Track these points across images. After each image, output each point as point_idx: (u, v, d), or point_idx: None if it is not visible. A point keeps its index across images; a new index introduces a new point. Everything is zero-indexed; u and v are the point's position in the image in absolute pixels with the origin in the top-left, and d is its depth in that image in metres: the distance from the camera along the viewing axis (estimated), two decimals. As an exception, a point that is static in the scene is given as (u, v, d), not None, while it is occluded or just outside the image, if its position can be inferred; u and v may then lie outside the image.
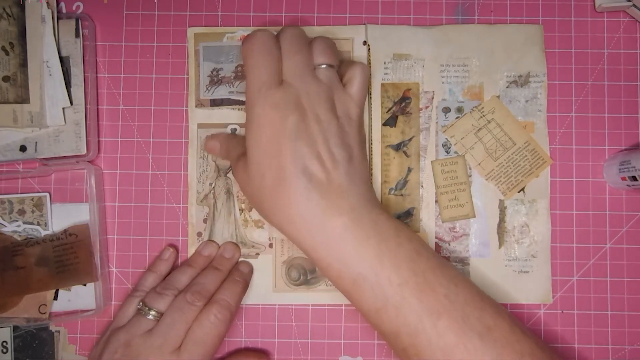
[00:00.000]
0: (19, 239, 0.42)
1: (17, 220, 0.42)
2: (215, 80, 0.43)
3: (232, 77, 0.43)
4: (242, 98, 0.43)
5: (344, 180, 0.33)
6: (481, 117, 0.43)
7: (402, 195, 0.43)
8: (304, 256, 0.42)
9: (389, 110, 0.43)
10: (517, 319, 0.34)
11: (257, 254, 0.42)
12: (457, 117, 0.43)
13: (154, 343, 0.35)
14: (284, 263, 0.42)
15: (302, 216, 0.33)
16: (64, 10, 0.44)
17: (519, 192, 0.42)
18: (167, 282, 0.39)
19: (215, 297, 0.38)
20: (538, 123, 0.43)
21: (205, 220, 0.43)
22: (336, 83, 0.36)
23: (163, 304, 0.37)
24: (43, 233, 0.42)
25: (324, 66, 0.36)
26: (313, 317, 0.42)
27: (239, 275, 0.40)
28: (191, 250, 0.42)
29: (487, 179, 0.42)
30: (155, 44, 0.44)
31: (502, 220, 0.42)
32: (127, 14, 0.44)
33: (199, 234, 0.43)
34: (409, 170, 0.43)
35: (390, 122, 0.43)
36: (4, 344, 0.41)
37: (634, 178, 0.40)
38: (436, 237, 0.42)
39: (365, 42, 0.43)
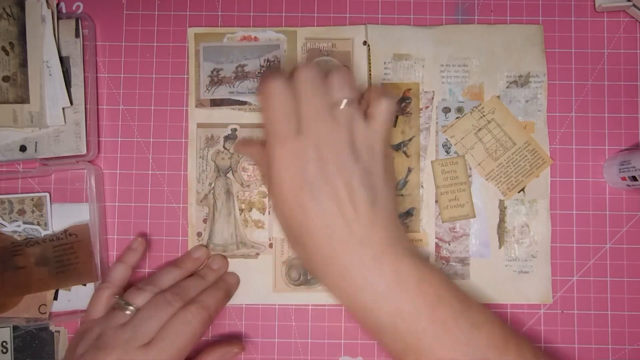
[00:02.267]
0: (19, 239, 0.42)
1: (17, 220, 0.42)
2: (216, 80, 0.43)
3: (232, 78, 0.43)
4: (243, 98, 0.43)
5: (367, 229, 0.32)
6: (481, 117, 0.43)
7: (402, 195, 0.43)
8: None
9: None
10: (542, 352, 0.33)
11: (257, 254, 0.43)
12: (457, 117, 0.43)
13: (123, 336, 0.35)
14: (284, 263, 0.42)
15: (325, 267, 0.33)
16: (64, 10, 0.44)
17: (519, 192, 0.42)
18: (150, 279, 0.39)
19: (195, 298, 0.38)
20: (538, 123, 0.42)
21: (205, 221, 0.43)
22: (357, 120, 0.34)
23: (141, 300, 0.37)
24: (43, 233, 0.42)
25: (343, 102, 0.34)
26: (313, 317, 0.42)
27: (223, 284, 0.41)
28: None
29: (487, 179, 0.42)
30: (155, 44, 0.44)
31: (502, 221, 0.42)
32: (127, 14, 0.44)
33: (199, 234, 0.43)
34: (409, 170, 0.43)
35: (393, 122, 0.42)
36: (4, 344, 0.41)
37: (634, 178, 0.40)
38: (436, 237, 0.42)
39: (365, 42, 0.43)
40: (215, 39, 0.43)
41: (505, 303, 0.42)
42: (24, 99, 0.41)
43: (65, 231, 0.42)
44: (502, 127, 0.42)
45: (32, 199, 0.42)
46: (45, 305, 0.42)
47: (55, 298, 0.42)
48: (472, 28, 0.43)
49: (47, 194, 0.42)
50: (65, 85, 0.42)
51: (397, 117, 0.43)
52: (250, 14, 0.44)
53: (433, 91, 0.43)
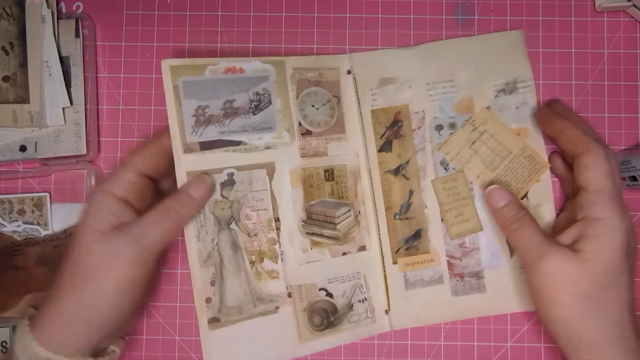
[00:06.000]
0: (19, 239, 0.42)
1: (17, 220, 0.42)
2: (202, 119, 0.38)
3: (221, 115, 0.38)
4: (236, 138, 0.39)
5: None
6: (473, 129, 0.42)
7: (407, 218, 0.42)
8: (323, 298, 0.40)
9: (382, 135, 0.42)
10: None
11: (277, 307, 0.39)
12: (450, 133, 0.42)
13: (81, 226, 0.34)
14: (305, 310, 0.40)
15: None
16: (64, 10, 0.44)
17: (522, 198, 0.41)
18: None
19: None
20: (531, 128, 0.42)
21: (212, 283, 0.38)
22: None
23: None
24: (43, 233, 0.42)
25: None
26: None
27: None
28: (202, 322, 0.38)
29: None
30: (155, 44, 0.44)
31: None
32: (127, 14, 0.44)
33: (208, 300, 0.38)
34: (411, 192, 0.42)
35: (385, 147, 0.42)
36: (4, 344, 0.41)
37: (634, 178, 0.40)
38: (447, 255, 0.42)
39: (349, 72, 0.42)
40: (195, 72, 0.38)
41: (528, 310, 0.42)
42: (24, 99, 0.41)
43: (65, 231, 0.42)
44: (496, 137, 0.42)
45: (32, 199, 0.42)
46: (45, 305, 0.42)
47: (55, 298, 0.42)
48: (453, 43, 0.43)
49: (47, 194, 0.42)
50: (65, 85, 0.42)
51: (391, 142, 0.42)
52: (250, 13, 0.44)
53: (423, 110, 0.42)
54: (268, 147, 0.39)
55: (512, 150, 0.41)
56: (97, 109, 0.43)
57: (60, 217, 0.42)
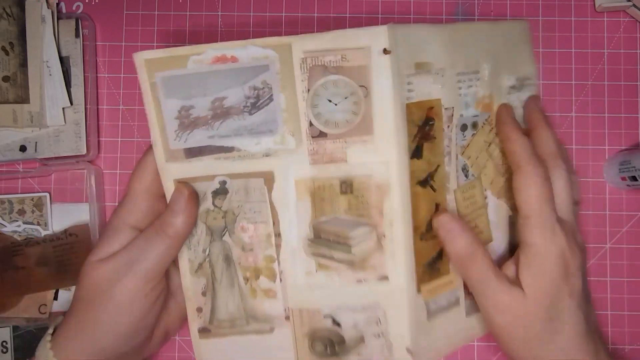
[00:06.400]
0: (19, 239, 0.42)
1: (17, 220, 0.42)
2: (187, 122, 0.32)
3: (209, 117, 0.32)
4: (228, 143, 0.32)
5: None
6: (491, 130, 0.36)
7: (433, 237, 0.34)
8: (329, 327, 0.34)
9: (415, 137, 0.33)
10: None
11: (272, 328, 0.34)
12: (472, 134, 0.35)
13: (91, 251, 0.34)
14: (306, 336, 0.34)
15: None
16: (64, 10, 0.44)
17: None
18: None
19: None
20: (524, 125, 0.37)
21: (204, 294, 0.35)
22: None
23: None
24: (43, 233, 0.42)
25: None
26: None
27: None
28: (193, 330, 0.35)
29: (498, 198, 0.37)
30: (155, 44, 0.44)
31: (512, 237, 0.38)
32: (127, 14, 0.44)
33: (199, 310, 0.35)
34: (437, 206, 0.34)
35: (417, 152, 0.33)
36: (4, 344, 0.41)
37: (634, 178, 0.40)
38: None
39: (385, 50, 0.30)
40: (175, 65, 0.31)
41: None
42: (24, 99, 0.41)
43: (65, 231, 0.42)
44: None
45: (32, 199, 0.42)
46: (45, 305, 0.42)
47: (56, 298, 0.42)
48: (479, 26, 0.36)
49: (47, 194, 0.42)
50: (65, 85, 0.42)
51: (422, 146, 0.33)
52: (250, 13, 0.44)
53: (452, 107, 0.34)
54: (267, 155, 0.33)
55: None
56: (97, 109, 0.43)
57: (60, 217, 0.42)
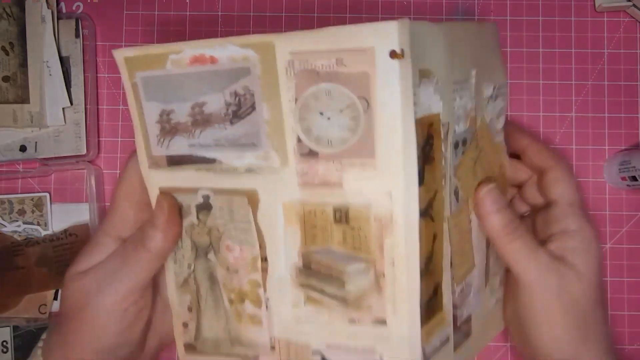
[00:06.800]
0: (19, 239, 0.42)
1: (17, 220, 0.42)
2: (168, 128, 0.29)
3: (189, 124, 0.29)
4: (208, 154, 0.29)
5: None
6: (476, 146, 0.31)
7: (429, 273, 0.28)
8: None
9: (418, 161, 0.26)
10: None
11: (256, 356, 0.31)
12: (462, 152, 0.30)
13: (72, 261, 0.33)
14: None
15: None
16: (64, 10, 0.44)
17: None
18: None
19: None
20: (502, 142, 0.35)
21: (190, 309, 0.32)
22: None
23: None
24: (43, 233, 0.42)
25: None
26: None
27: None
28: (179, 345, 0.33)
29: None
30: (155, 44, 0.44)
31: (488, 260, 0.35)
32: (127, 14, 0.44)
33: (185, 325, 0.33)
34: (434, 237, 0.28)
35: (420, 178, 0.26)
36: (4, 343, 0.41)
37: (634, 178, 0.40)
38: (453, 307, 0.31)
39: (394, 54, 0.24)
40: (154, 65, 0.28)
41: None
42: (24, 99, 0.41)
43: (65, 231, 0.42)
44: (487, 154, 0.33)
45: (32, 199, 0.42)
46: (45, 305, 0.42)
47: (55, 298, 0.42)
48: (467, 27, 0.32)
49: (47, 194, 0.42)
50: (65, 85, 0.42)
51: (423, 169, 0.27)
52: (250, 13, 0.44)
53: (448, 122, 0.28)
54: (250, 170, 0.28)
55: (494, 169, 0.34)
56: (97, 109, 0.43)
57: (60, 217, 0.42)
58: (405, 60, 0.24)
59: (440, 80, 0.27)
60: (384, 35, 0.23)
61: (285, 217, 0.28)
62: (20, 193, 0.43)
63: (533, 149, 0.36)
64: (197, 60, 0.27)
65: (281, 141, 0.27)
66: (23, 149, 0.42)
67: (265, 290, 0.30)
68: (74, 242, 0.42)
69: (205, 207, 0.30)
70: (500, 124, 0.34)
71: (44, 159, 0.42)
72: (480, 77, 0.31)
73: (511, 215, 0.32)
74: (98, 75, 0.44)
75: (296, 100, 0.26)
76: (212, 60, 0.27)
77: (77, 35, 0.43)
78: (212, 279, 0.31)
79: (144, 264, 0.30)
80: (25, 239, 0.42)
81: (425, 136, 0.26)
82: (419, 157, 0.25)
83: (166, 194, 0.31)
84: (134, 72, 0.29)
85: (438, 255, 0.29)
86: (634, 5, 0.42)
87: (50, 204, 0.42)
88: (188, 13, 0.44)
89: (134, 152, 0.32)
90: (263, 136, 0.27)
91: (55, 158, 0.42)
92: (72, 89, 0.42)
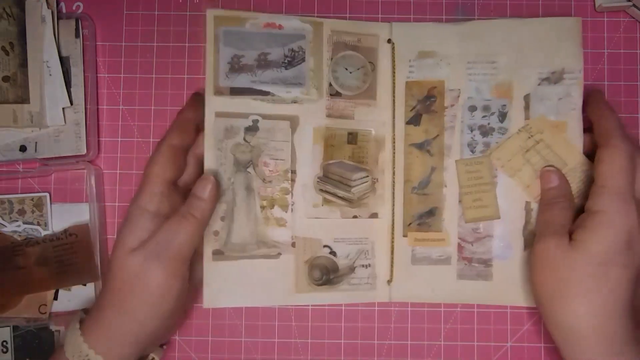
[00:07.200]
0: (19, 239, 0.42)
1: (17, 220, 0.42)
2: (236, 67, 0.41)
3: (254, 66, 0.41)
4: (265, 88, 0.41)
5: None
6: (529, 137, 0.41)
7: (424, 194, 0.41)
8: (326, 255, 0.41)
9: (413, 108, 0.42)
10: None
11: (279, 253, 0.41)
12: (502, 139, 0.41)
13: (116, 242, 0.37)
14: (306, 262, 0.41)
15: None
16: (64, 10, 0.44)
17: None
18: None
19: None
20: (571, 122, 0.40)
21: (222, 219, 0.40)
22: None
23: None
24: (43, 233, 0.42)
25: None
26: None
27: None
28: (207, 252, 0.40)
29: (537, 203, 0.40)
30: (155, 44, 0.44)
31: (527, 222, 0.41)
32: (127, 14, 0.44)
33: (216, 233, 0.40)
34: (432, 169, 0.41)
35: (414, 120, 0.42)
36: (4, 343, 0.41)
37: (634, 178, 0.40)
38: (459, 238, 0.41)
39: (389, 41, 0.42)
40: (236, 24, 0.41)
41: (531, 306, 0.41)
42: (24, 99, 0.41)
43: (65, 231, 0.42)
44: (552, 147, 0.40)
45: (32, 199, 0.42)
46: (45, 305, 0.42)
47: (56, 298, 0.42)
48: (501, 23, 0.42)
49: (47, 194, 0.42)
50: (65, 85, 0.42)
51: (420, 116, 0.41)
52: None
53: (459, 89, 0.41)
54: (295, 102, 0.41)
55: (568, 162, 0.40)
56: (97, 109, 0.43)
57: (60, 217, 0.42)
58: (395, 45, 0.42)
59: (447, 58, 0.42)
60: (383, 30, 0.42)
61: (314, 137, 0.41)
62: (20, 193, 0.43)
63: (601, 123, 0.37)
64: (269, 25, 0.41)
65: (319, 83, 0.42)
66: (23, 149, 0.42)
67: (292, 195, 0.41)
68: (73, 242, 0.42)
69: (253, 129, 0.41)
70: (564, 105, 0.40)
71: (44, 159, 0.42)
72: (524, 60, 0.41)
73: (560, 192, 0.39)
74: (98, 75, 0.44)
75: (331, 59, 0.42)
76: (280, 27, 0.41)
77: (77, 35, 0.43)
78: (249, 189, 0.41)
79: (192, 230, 0.36)
80: (25, 239, 0.42)
81: (425, 93, 0.42)
82: (414, 106, 0.42)
83: (209, 176, 0.38)
84: (218, 26, 0.40)
85: (437, 183, 0.42)
86: (634, 5, 0.42)
87: (50, 204, 0.42)
88: (188, 13, 0.44)
89: (166, 134, 0.38)
90: (308, 78, 0.41)
91: (55, 158, 0.42)
92: (72, 89, 0.42)
